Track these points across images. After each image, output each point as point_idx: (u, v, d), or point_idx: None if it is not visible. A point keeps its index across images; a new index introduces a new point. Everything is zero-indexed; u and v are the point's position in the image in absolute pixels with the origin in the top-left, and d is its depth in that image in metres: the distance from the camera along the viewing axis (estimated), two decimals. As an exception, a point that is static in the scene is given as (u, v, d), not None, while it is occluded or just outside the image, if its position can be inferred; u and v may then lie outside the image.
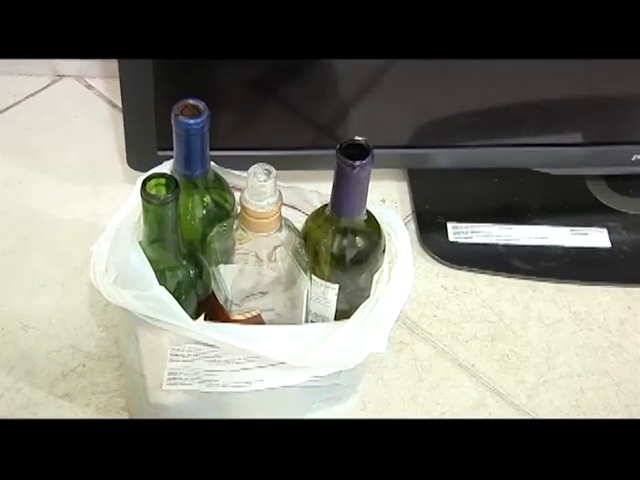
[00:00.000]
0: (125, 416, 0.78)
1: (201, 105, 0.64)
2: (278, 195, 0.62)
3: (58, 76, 1.06)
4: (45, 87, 1.05)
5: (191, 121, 0.63)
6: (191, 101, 0.64)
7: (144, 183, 0.60)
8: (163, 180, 0.61)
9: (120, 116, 0.86)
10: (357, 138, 0.62)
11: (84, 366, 0.81)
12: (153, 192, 0.60)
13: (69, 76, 1.06)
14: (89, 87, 1.05)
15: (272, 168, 0.61)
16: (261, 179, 0.61)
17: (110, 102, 1.03)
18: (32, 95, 1.04)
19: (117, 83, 0.81)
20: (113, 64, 0.81)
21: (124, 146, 0.87)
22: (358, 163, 0.61)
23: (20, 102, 1.03)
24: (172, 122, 0.64)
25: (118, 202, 0.68)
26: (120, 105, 0.84)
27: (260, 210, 0.61)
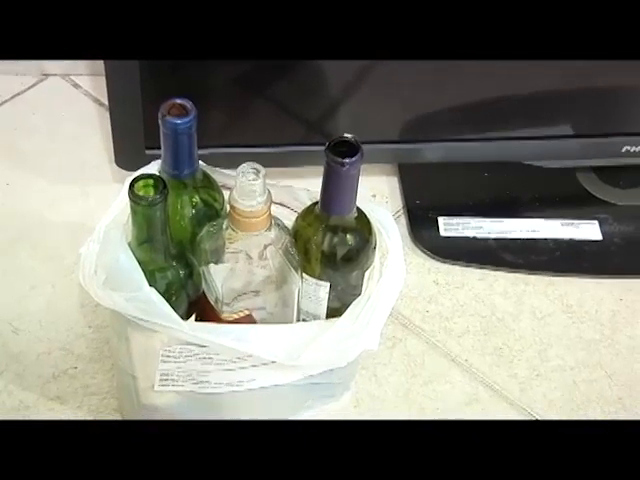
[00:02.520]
0: (117, 417, 0.78)
1: (188, 105, 0.63)
2: (267, 194, 0.61)
3: (44, 75, 1.05)
4: (31, 86, 1.04)
5: (178, 121, 0.63)
6: (178, 100, 0.63)
7: (132, 184, 0.60)
8: (151, 181, 0.60)
9: (107, 115, 0.85)
10: (346, 135, 0.62)
11: (75, 368, 0.81)
12: (141, 193, 0.60)
13: (55, 75, 1.05)
14: (76, 86, 1.04)
15: (261, 167, 0.61)
16: (250, 178, 0.60)
17: (97, 101, 1.03)
18: (18, 95, 1.03)
19: (104, 81, 0.80)
20: (99, 62, 0.80)
21: (112, 145, 0.87)
22: (347, 161, 0.61)
23: (5, 102, 1.02)
24: (159, 122, 0.63)
25: (107, 202, 0.67)
26: (107, 104, 0.83)
27: (249, 209, 0.61)
